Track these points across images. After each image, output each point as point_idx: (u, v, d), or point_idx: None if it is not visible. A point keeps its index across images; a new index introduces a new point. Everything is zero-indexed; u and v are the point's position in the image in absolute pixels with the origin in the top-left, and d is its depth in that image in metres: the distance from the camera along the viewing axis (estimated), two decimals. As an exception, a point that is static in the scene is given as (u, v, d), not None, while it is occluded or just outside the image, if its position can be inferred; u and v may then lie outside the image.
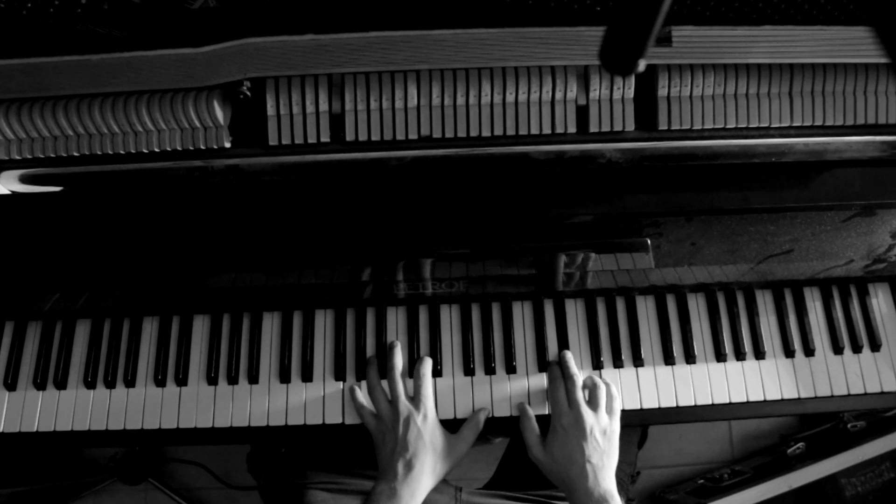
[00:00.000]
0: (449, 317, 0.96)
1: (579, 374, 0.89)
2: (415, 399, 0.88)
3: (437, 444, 0.86)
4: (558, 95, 0.84)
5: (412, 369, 0.92)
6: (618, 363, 0.93)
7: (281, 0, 0.82)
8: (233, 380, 0.92)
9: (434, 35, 0.80)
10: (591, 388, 0.88)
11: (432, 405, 0.88)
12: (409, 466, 0.82)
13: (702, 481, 1.50)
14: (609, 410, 0.87)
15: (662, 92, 0.85)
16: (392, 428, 0.85)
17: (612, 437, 0.86)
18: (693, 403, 0.92)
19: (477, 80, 0.82)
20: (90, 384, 0.92)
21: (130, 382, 0.92)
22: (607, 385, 0.89)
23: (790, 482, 1.40)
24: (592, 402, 0.87)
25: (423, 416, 0.86)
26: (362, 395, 0.90)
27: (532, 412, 0.89)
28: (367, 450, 0.97)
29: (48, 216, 0.87)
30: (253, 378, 0.92)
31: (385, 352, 0.93)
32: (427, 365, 0.90)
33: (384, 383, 0.90)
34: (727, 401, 0.92)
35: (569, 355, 0.91)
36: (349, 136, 0.84)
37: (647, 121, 0.86)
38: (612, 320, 0.95)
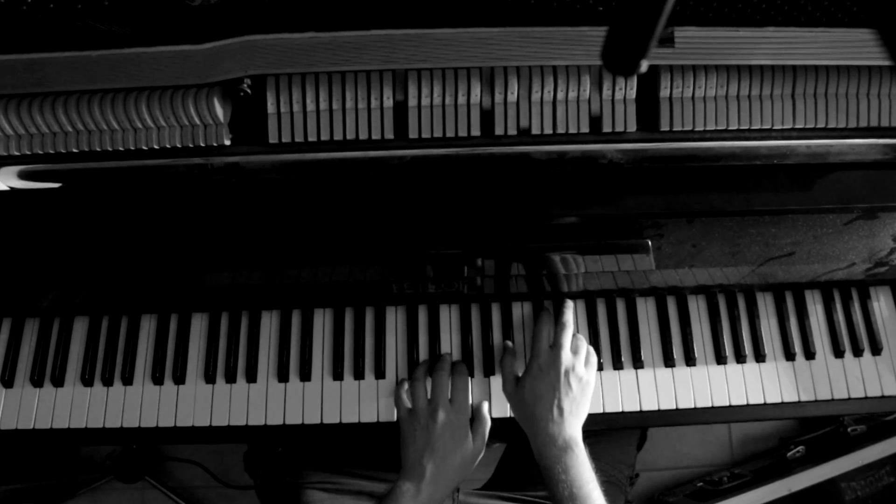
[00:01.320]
0: (448, 317, 0.95)
1: (572, 325, 0.89)
2: (454, 402, 0.87)
3: (465, 449, 0.85)
4: (559, 95, 0.83)
5: (411, 370, 0.92)
6: (617, 365, 0.93)
7: (282, -3, 0.82)
8: (231, 378, 0.92)
9: (435, 34, 0.80)
10: (574, 340, 0.89)
11: (469, 411, 0.87)
12: (437, 469, 0.82)
13: (701, 484, 1.50)
14: (587, 363, 0.88)
15: (664, 93, 0.84)
16: (426, 427, 0.84)
17: (585, 388, 0.85)
18: (693, 406, 0.92)
19: (478, 80, 0.82)
20: (87, 382, 0.92)
21: (128, 380, 0.92)
22: (589, 346, 0.90)
23: (790, 486, 1.40)
24: (572, 350, 0.87)
25: (459, 422, 0.85)
26: (405, 389, 0.90)
27: (518, 353, 0.91)
28: (365, 450, 0.97)
29: (47, 213, 0.86)
30: (251, 377, 0.92)
31: (382, 352, 0.93)
32: (465, 370, 0.90)
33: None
34: (727, 403, 0.92)
35: (570, 304, 0.92)
36: (349, 135, 0.83)
37: (648, 122, 0.85)
38: (612, 322, 0.95)
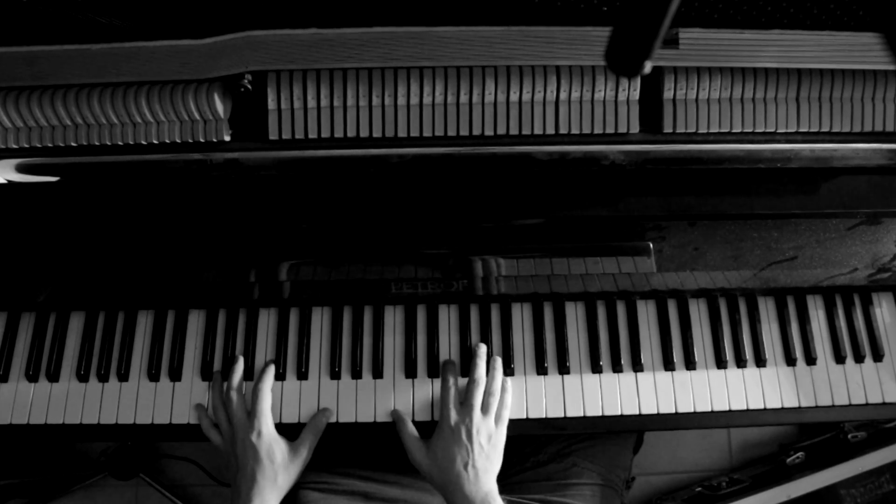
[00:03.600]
0: (447, 317, 0.95)
1: (484, 379, 0.88)
2: (251, 415, 0.85)
3: (275, 458, 0.83)
4: (562, 95, 0.83)
5: (409, 370, 0.91)
6: (617, 368, 0.92)
7: (284, -7, 0.82)
8: (227, 376, 0.91)
9: (438, 32, 0.79)
10: (486, 395, 0.87)
11: (268, 420, 0.85)
12: (249, 485, 0.81)
13: (699, 489, 1.49)
14: (497, 418, 0.87)
15: (668, 94, 0.84)
16: (232, 449, 0.84)
17: (496, 444, 0.85)
18: (692, 410, 0.91)
19: (481, 79, 0.82)
20: (83, 377, 0.91)
21: (124, 376, 0.91)
22: (503, 393, 0.88)
23: (789, 492, 1.39)
24: (483, 407, 0.86)
25: (257, 433, 0.83)
26: (207, 419, 0.88)
27: (408, 418, 0.88)
28: (360, 450, 0.97)
29: (44, 206, 0.86)
30: (248, 375, 0.91)
31: (380, 352, 0.92)
32: (266, 381, 0.87)
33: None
34: (727, 408, 0.91)
35: (482, 352, 0.89)
36: (350, 133, 0.83)
37: (651, 123, 0.85)
38: (612, 324, 0.94)
